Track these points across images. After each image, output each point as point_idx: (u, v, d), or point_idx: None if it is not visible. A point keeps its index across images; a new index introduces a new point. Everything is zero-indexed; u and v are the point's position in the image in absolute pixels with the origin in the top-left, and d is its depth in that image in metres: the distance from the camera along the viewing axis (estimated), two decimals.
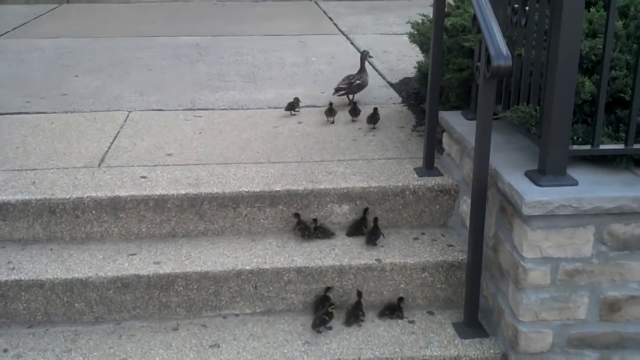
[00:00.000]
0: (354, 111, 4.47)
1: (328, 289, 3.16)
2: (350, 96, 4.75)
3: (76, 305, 3.09)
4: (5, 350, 2.93)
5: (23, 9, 9.21)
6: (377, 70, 5.71)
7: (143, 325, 3.10)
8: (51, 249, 3.28)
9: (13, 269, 3.12)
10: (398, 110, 4.68)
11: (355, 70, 4.79)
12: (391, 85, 5.25)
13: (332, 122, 4.43)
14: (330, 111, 4.43)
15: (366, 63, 4.78)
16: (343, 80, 4.72)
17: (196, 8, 9.22)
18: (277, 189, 3.41)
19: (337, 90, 4.69)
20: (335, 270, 3.19)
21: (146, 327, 3.09)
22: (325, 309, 3.07)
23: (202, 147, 3.99)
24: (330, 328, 3.05)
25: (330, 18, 8.42)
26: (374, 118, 4.31)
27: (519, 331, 2.78)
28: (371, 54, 5.24)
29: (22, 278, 3.06)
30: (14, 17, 8.41)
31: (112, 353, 2.91)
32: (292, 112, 4.59)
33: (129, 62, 6.04)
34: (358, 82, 4.65)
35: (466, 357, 2.91)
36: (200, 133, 4.23)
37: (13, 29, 7.69)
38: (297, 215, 3.40)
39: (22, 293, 3.06)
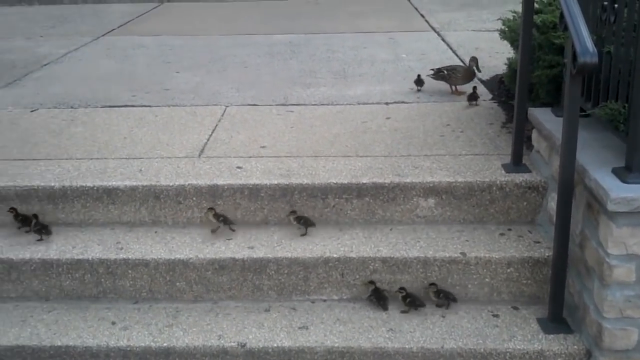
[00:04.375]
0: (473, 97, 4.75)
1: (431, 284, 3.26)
2: (453, 87, 4.96)
3: (177, 284, 3.33)
4: (114, 323, 3.21)
5: (127, 7, 9.77)
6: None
7: (238, 305, 3.31)
8: (155, 232, 3.55)
9: (121, 248, 3.40)
10: (488, 107, 4.69)
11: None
12: (482, 81, 5.25)
13: (477, 105, 4.70)
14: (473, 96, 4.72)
15: (458, 60, 4.87)
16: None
17: (290, 6, 9.46)
18: (364, 182, 3.53)
19: (436, 72, 4.97)
20: (420, 261, 3.28)
21: (240, 307, 3.29)
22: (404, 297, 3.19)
23: (294, 140, 4.17)
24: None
25: (422, 15, 8.44)
26: (473, 96, 4.69)
27: (603, 328, 2.78)
28: (462, 50, 5.30)
29: (130, 257, 3.33)
30: (119, 16, 8.95)
31: (210, 329, 3.13)
32: (419, 88, 5.04)
33: (226, 59, 6.32)
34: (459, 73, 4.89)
35: (550, 352, 2.94)
36: (292, 127, 4.41)
37: (118, 27, 8.19)
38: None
39: (129, 271, 3.33)
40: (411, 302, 3.18)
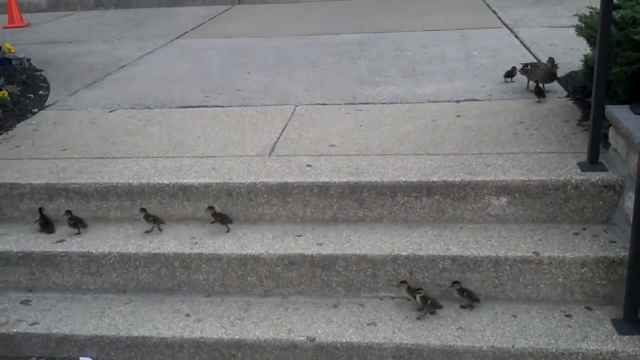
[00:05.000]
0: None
1: (454, 282, 3.22)
2: (530, 83, 4.90)
3: (248, 278, 3.41)
4: (188, 315, 3.31)
5: (200, 10, 10.02)
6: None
7: (307, 300, 3.36)
8: (228, 228, 3.63)
9: (195, 243, 3.50)
10: (563, 104, 4.58)
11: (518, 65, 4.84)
12: (557, 79, 5.12)
13: (545, 100, 4.68)
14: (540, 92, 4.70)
15: (532, 57, 4.80)
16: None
17: (359, 5, 9.48)
18: (434, 180, 3.51)
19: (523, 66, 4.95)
20: (490, 260, 3.24)
21: (309, 302, 3.34)
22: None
23: (363, 138, 4.18)
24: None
25: (494, 11, 8.30)
26: (540, 91, 4.70)
27: None
28: (536, 47, 5.18)
29: (203, 252, 3.43)
30: (193, 18, 9.19)
31: (280, 323, 3.19)
32: (511, 80, 5.06)
33: (295, 59, 6.40)
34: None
35: (624, 354, 2.85)
36: (360, 126, 4.42)
37: (192, 29, 8.41)
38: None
39: (203, 265, 3.43)
40: (432, 303, 3.15)
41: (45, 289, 3.59)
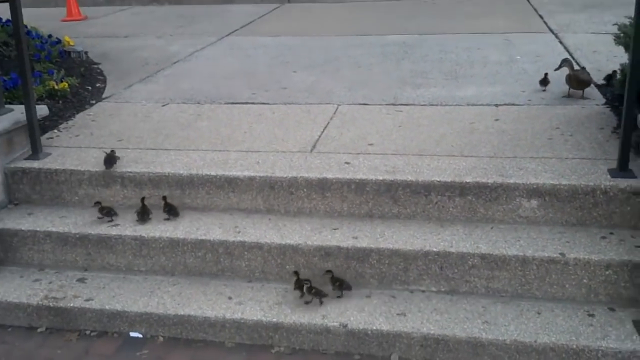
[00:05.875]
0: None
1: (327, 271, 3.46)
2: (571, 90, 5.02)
3: (287, 267, 3.62)
4: (230, 298, 3.54)
5: (250, 8, 10.28)
6: None
7: None
8: (269, 219, 3.86)
9: (239, 232, 3.73)
10: (600, 111, 4.66)
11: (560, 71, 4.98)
12: (596, 86, 5.19)
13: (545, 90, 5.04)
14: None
15: (574, 64, 4.94)
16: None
17: (406, 7, 9.59)
18: (468, 181, 3.67)
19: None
20: (518, 259, 3.38)
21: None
22: None
23: (401, 139, 4.35)
24: None
25: (540, 16, 8.32)
26: (545, 81, 5.15)
27: None
28: (579, 53, 5.23)
29: (246, 240, 3.66)
30: (243, 16, 9.45)
31: (314, 310, 3.39)
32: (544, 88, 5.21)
33: (340, 59, 6.58)
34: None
35: None
36: (399, 126, 4.59)
37: (242, 27, 8.66)
38: None
39: (245, 253, 3.66)
40: (316, 292, 3.40)
41: (100, 269, 3.87)
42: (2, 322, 3.67)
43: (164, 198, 3.91)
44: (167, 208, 3.89)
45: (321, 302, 3.41)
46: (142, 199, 3.91)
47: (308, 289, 3.41)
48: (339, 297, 3.46)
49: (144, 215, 3.89)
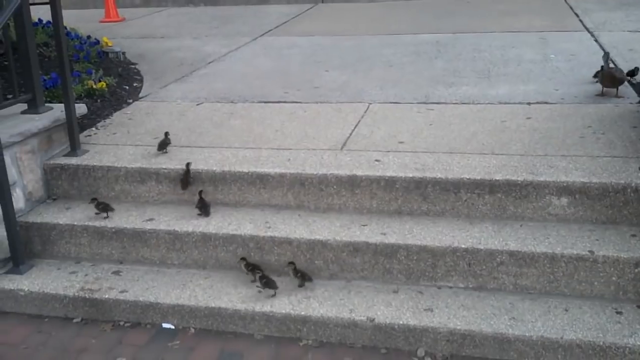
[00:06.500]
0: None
1: (290, 262, 3.59)
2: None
3: (316, 262, 3.68)
4: (260, 291, 3.60)
5: (284, 8, 10.38)
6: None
7: (368, 285, 3.59)
8: (299, 215, 3.92)
9: (269, 227, 3.80)
10: (633, 110, 4.62)
11: (592, 70, 4.91)
12: (631, 84, 5.14)
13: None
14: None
15: (609, 61, 4.87)
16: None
17: (440, 5, 9.58)
18: (497, 178, 3.67)
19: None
20: (547, 257, 3.38)
21: (371, 287, 3.57)
22: None
23: (431, 137, 4.37)
24: None
25: (576, 14, 8.25)
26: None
27: None
28: (615, 52, 5.18)
29: (276, 235, 3.72)
30: (277, 17, 9.55)
31: (342, 304, 3.44)
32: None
33: (373, 58, 6.62)
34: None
35: None
36: (430, 124, 4.61)
37: (275, 27, 8.76)
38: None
39: (275, 247, 3.73)
40: (266, 282, 3.51)
41: (134, 262, 3.98)
42: (39, 312, 3.80)
43: (200, 193, 4.01)
44: (200, 204, 3.98)
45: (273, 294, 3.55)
46: (200, 192, 4.01)
47: (260, 279, 3.55)
48: (300, 286, 3.58)
49: (203, 208, 3.97)
